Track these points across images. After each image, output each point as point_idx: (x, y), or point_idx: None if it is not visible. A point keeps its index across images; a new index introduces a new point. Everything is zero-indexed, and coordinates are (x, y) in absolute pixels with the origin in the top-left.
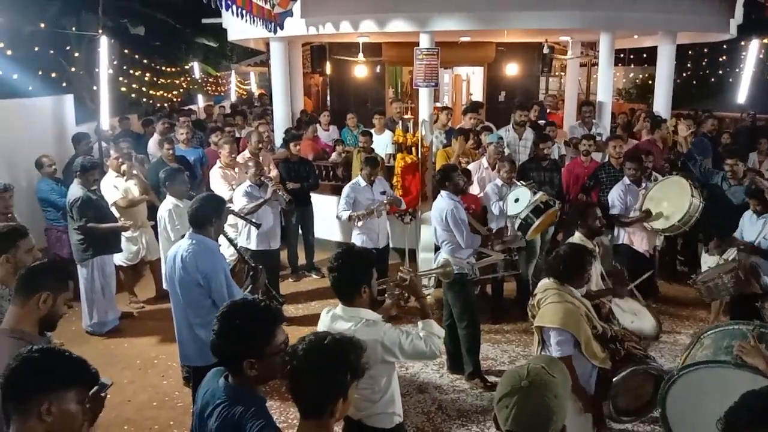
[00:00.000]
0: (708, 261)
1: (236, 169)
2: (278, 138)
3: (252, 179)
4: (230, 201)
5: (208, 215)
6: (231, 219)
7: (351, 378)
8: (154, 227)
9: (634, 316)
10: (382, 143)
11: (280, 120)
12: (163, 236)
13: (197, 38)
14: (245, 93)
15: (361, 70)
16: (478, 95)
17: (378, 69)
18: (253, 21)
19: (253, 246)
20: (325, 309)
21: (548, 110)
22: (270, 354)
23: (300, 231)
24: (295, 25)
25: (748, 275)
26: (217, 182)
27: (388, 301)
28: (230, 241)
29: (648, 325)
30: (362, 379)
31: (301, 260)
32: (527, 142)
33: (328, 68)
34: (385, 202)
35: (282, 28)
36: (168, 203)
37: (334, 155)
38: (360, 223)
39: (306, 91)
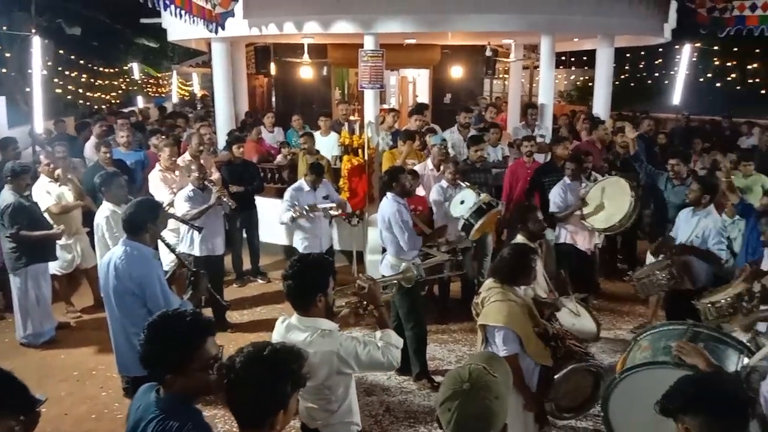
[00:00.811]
0: (653, 260)
1: (177, 173)
2: (221, 140)
3: (194, 183)
4: (171, 205)
5: (142, 221)
6: (172, 224)
7: (292, 389)
8: (90, 233)
9: (575, 318)
10: (328, 145)
11: (223, 122)
12: (101, 244)
13: (136, 38)
14: (187, 94)
15: (306, 72)
16: (424, 97)
17: (324, 70)
18: (193, 21)
19: (196, 252)
20: (280, 318)
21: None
22: (195, 370)
23: (244, 235)
24: (237, 26)
25: (681, 272)
26: (157, 186)
27: (346, 310)
28: (168, 246)
29: (588, 327)
30: (319, 390)
31: (246, 265)
32: None
33: (273, 69)
34: (332, 206)
35: (223, 28)
36: (105, 209)
37: (279, 157)
38: (303, 221)
39: (251, 92)
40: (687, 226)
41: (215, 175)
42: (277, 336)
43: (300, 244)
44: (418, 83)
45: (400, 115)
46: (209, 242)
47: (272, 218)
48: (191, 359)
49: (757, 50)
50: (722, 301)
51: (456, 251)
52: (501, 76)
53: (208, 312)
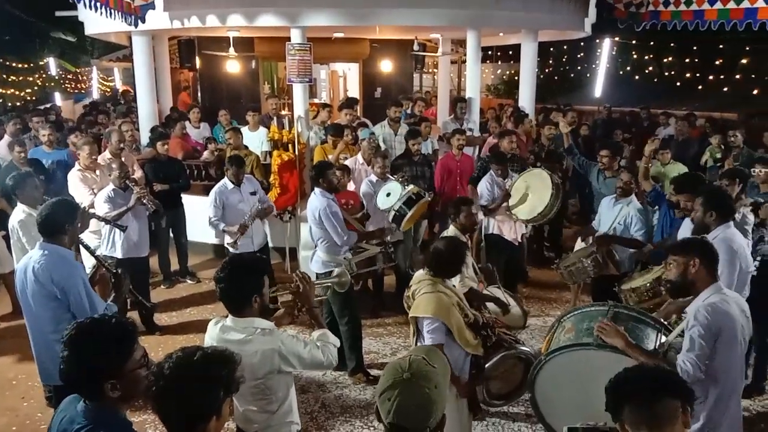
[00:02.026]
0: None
1: (97, 172)
2: (144, 137)
3: (116, 182)
4: (92, 206)
5: (59, 222)
6: (94, 224)
7: (224, 394)
8: (5, 237)
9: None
10: (257, 140)
11: (146, 118)
12: (17, 247)
13: (52, 32)
14: (109, 90)
15: (233, 66)
16: (354, 91)
17: (253, 64)
18: (110, 14)
19: (119, 254)
20: (213, 320)
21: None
22: (130, 370)
23: (171, 235)
24: (158, 19)
25: (605, 258)
26: (76, 186)
27: (281, 311)
28: (87, 248)
29: (516, 315)
30: (259, 391)
31: (174, 266)
32: (402, 138)
33: (198, 63)
34: (258, 208)
35: (144, 21)
36: (19, 212)
37: (206, 154)
38: (237, 239)
39: (175, 87)
40: (610, 214)
41: (138, 174)
42: (209, 339)
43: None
44: (349, 77)
45: (333, 110)
46: (132, 243)
47: (200, 217)
48: (127, 360)
49: (672, 44)
50: (641, 286)
51: (387, 243)
52: (431, 70)
53: (135, 315)
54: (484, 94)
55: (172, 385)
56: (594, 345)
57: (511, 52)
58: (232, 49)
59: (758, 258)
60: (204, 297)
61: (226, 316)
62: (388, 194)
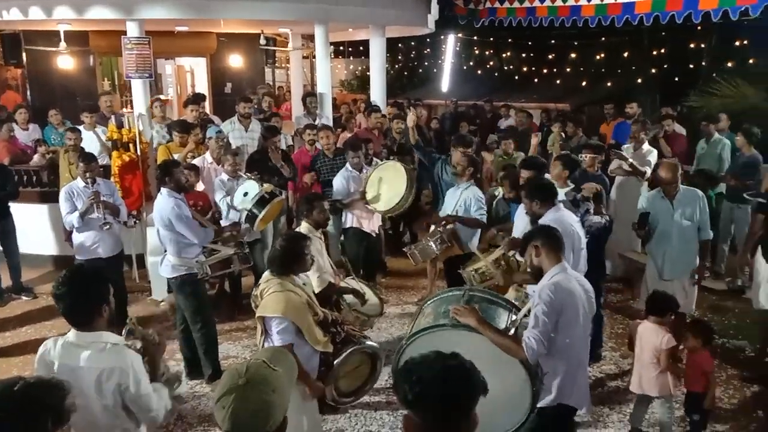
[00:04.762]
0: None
1: None
2: None
3: None
4: None
5: None
6: None
7: (54, 425)
8: None
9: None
10: (93, 141)
11: None
12: None
13: None
14: None
15: (66, 62)
16: (203, 87)
17: (91, 60)
18: None
19: None
20: (50, 340)
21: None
22: None
23: (0, 248)
24: None
25: (450, 239)
26: None
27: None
28: None
29: (373, 303)
30: (117, 416)
31: (6, 281)
32: (254, 134)
33: (25, 59)
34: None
35: None
36: None
37: (36, 157)
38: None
39: (1, 85)
40: (452, 199)
41: None
42: (43, 362)
43: (80, 251)
44: (197, 73)
45: (168, 104)
46: None
47: (35, 226)
48: None
49: (510, 40)
50: (484, 267)
51: (242, 244)
52: (283, 65)
53: None
54: (338, 89)
55: None
56: (449, 325)
57: (362, 48)
58: (63, 44)
59: (587, 231)
60: (42, 313)
61: (65, 334)
62: (245, 193)
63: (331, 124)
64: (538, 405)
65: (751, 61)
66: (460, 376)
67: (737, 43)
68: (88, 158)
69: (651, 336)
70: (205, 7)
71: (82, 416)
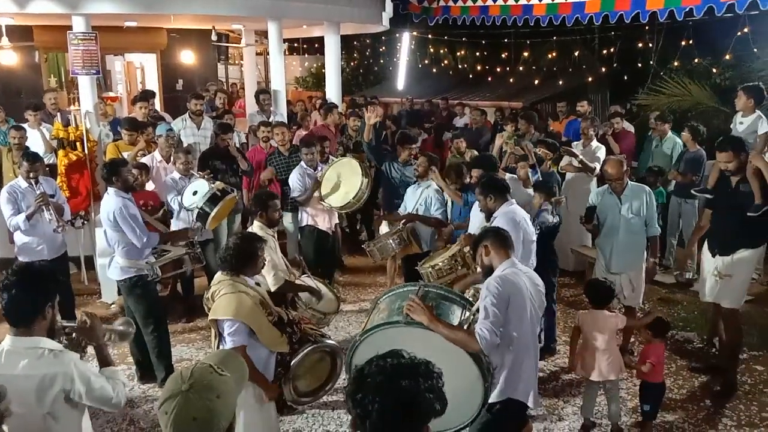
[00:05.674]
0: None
1: None
2: None
3: None
4: None
5: None
6: None
7: None
8: None
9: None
10: (39, 139)
11: None
12: None
13: None
14: None
15: (9, 57)
16: (153, 84)
17: (36, 56)
18: None
19: None
20: None
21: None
22: None
23: None
24: None
25: (409, 236)
26: None
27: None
28: None
29: (329, 299)
30: (42, 425)
31: None
32: (206, 132)
33: None
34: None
35: None
36: None
37: None
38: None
39: None
40: (412, 198)
41: None
42: None
43: (25, 256)
44: (147, 69)
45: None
46: None
47: None
48: None
49: (464, 38)
50: (440, 263)
51: (194, 244)
52: (237, 62)
53: None
54: (293, 86)
55: None
56: (402, 323)
57: (317, 45)
58: (5, 39)
59: (538, 227)
60: None
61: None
62: (195, 192)
63: (285, 121)
64: (489, 401)
65: (696, 60)
66: (408, 401)
67: (683, 43)
68: (32, 158)
69: (606, 321)
70: (155, 2)
71: (19, 424)
